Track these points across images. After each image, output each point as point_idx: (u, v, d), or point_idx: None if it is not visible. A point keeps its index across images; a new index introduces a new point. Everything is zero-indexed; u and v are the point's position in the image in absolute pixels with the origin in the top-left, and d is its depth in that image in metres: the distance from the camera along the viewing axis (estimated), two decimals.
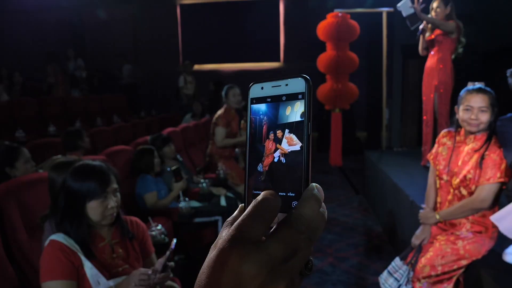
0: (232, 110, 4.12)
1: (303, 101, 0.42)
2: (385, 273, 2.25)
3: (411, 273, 2.12)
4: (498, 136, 2.09)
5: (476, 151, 2.09)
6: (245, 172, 0.45)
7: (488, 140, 2.07)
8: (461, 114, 2.11)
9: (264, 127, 0.43)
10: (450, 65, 4.12)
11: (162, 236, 2.22)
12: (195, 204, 3.17)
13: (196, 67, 8.62)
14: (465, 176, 2.10)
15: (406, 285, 2.11)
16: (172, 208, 2.97)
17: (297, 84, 0.42)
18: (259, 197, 0.39)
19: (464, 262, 2.06)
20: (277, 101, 0.43)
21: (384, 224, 4.00)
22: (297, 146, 0.41)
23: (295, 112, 0.42)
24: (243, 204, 0.44)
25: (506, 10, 6.33)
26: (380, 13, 5.61)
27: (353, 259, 3.41)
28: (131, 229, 1.63)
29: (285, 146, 0.41)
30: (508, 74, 2.09)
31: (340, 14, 5.39)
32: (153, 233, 2.20)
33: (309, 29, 5.75)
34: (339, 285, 3.01)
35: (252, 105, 0.45)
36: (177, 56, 9.40)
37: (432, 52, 4.20)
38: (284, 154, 0.41)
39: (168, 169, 3.10)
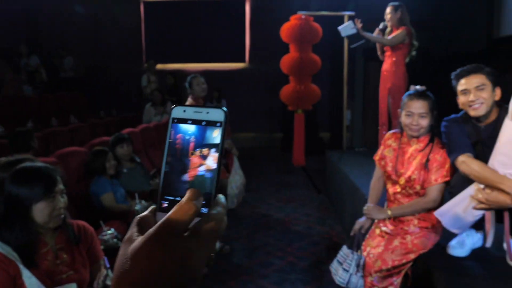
0: (200, 99, 3.95)
1: (220, 128, 0.49)
2: (334, 262, 2.33)
3: (361, 260, 2.18)
4: (442, 136, 2.16)
5: (420, 151, 2.18)
6: (160, 179, 0.50)
7: (430, 142, 2.15)
8: (403, 119, 2.18)
9: (191, 144, 0.49)
10: (403, 69, 4.26)
11: (115, 240, 2.18)
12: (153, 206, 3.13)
13: (160, 66, 8.51)
14: (409, 177, 2.18)
15: (356, 274, 2.18)
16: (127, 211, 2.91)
17: (217, 114, 0.50)
18: (186, 197, 0.46)
19: (412, 256, 2.14)
20: (197, 124, 0.50)
21: (344, 223, 4.08)
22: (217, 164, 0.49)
23: (215, 137, 0.49)
24: (155, 206, 0.50)
25: (460, 16, 6.59)
26: (342, 17, 5.70)
27: (312, 257, 3.45)
28: (77, 234, 1.58)
29: (210, 163, 0.49)
30: (452, 77, 2.16)
31: (303, 17, 5.46)
32: (105, 237, 2.15)
33: (274, 30, 5.78)
34: (298, 284, 3.04)
35: (174, 124, 0.51)
36: (140, 55, 9.23)
37: (386, 56, 4.34)
38: (209, 169, 0.48)
39: (125, 170, 3.05)
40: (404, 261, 2.13)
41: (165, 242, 0.42)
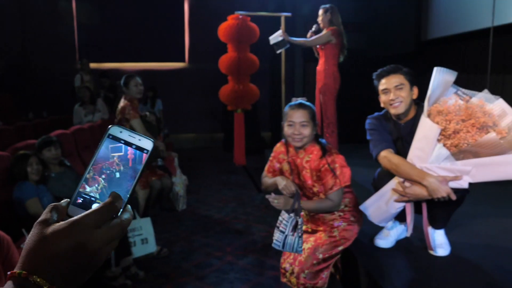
0: (135, 100, 3.80)
1: (147, 155, 0.59)
2: (275, 230, 2.29)
3: (299, 220, 2.14)
4: (367, 133, 2.27)
5: (314, 161, 2.16)
6: (82, 178, 0.57)
7: (324, 151, 2.14)
8: (285, 129, 2.18)
9: (115, 159, 0.58)
10: (333, 68, 4.43)
11: None
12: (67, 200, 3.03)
13: (95, 65, 8.19)
14: (312, 190, 2.22)
15: (292, 234, 2.12)
16: None
17: (147, 143, 0.60)
18: (109, 200, 0.54)
19: (340, 248, 2.21)
20: (128, 146, 0.59)
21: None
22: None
23: (139, 159, 0.59)
24: (69, 200, 0.57)
25: (392, 20, 6.92)
26: (279, 18, 5.79)
27: (251, 256, 3.48)
28: None
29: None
30: (373, 77, 2.27)
31: (240, 17, 5.49)
32: None
33: (213, 30, 5.77)
34: (237, 283, 3.05)
35: (109, 139, 0.59)
36: (73, 53, 8.83)
37: (319, 57, 4.50)
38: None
39: (53, 175, 2.90)
40: (333, 253, 2.20)
41: (85, 231, 0.50)
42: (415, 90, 2.22)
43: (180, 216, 4.35)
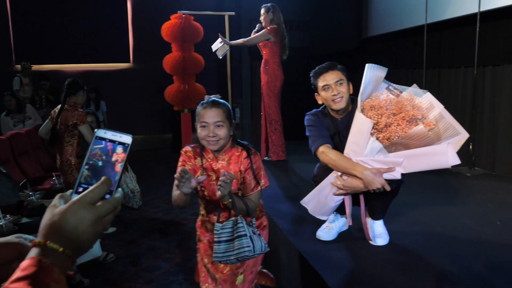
0: (79, 105, 3.63)
1: (127, 147, 0.74)
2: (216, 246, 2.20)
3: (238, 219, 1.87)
4: (306, 129, 2.32)
5: (235, 163, 1.89)
6: (80, 173, 0.72)
7: (247, 153, 1.89)
8: (199, 131, 1.85)
9: (104, 156, 0.73)
10: (274, 66, 4.51)
11: None
12: (25, 220, 2.89)
13: (35, 67, 7.80)
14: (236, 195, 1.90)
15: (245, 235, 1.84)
16: None
17: (127, 138, 0.74)
18: (100, 182, 0.68)
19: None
20: (113, 143, 0.73)
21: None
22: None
23: (122, 153, 0.74)
24: (72, 190, 0.71)
25: (335, 18, 7.11)
26: (223, 16, 5.79)
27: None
28: None
29: (116, 168, 0.73)
30: (311, 75, 2.33)
31: (183, 16, 5.43)
32: None
33: (157, 29, 5.67)
34: (185, 284, 3.03)
35: (96, 140, 0.73)
36: (10, 55, 8.37)
37: (263, 54, 4.56)
38: (115, 172, 0.73)
39: None
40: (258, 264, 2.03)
41: (84, 206, 0.65)
42: (351, 86, 2.29)
43: (126, 219, 4.26)
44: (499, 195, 3.34)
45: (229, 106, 1.93)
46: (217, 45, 4.76)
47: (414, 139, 1.89)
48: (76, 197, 0.67)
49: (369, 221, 2.35)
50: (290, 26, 7.78)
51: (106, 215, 0.68)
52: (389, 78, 2.19)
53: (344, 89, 2.22)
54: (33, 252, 0.62)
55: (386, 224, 2.41)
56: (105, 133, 0.73)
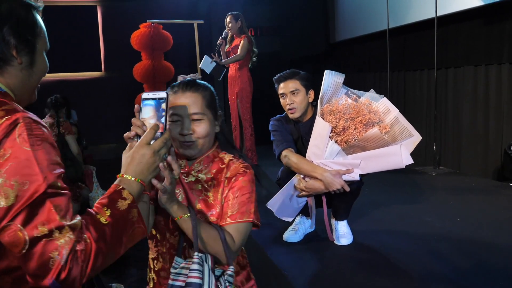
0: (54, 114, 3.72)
1: (166, 99, 1.05)
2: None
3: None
4: (271, 134, 2.38)
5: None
6: (165, 124, 1.04)
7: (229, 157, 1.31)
8: (168, 127, 1.12)
9: (154, 109, 1.06)
10: (247, 73, 4.57)
11: None
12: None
13: None
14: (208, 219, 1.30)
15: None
16: None
17: (163, 94, 1.06)
18: (150, 128, 1.01)
19: None
20: (154, 99, 1.06)
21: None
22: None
23: (164, 106, 1.06)
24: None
25: (303, 24, 7.22)
26: (193, 25, 5.80)
27: None
28: None
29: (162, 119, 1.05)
30: (274, 81, 2.40)
31: (152, 24, 5.44)
32: None
33: (128, 38, 5.67)
34: None
35: (144, 100, 1.07)
36: None
37: (231, 64, 4.61)
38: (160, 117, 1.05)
39: None
40: None
41: (142, 146, 0.98)
42: (311, 94, 2.39)
43: None
44: (461, 193, 3.47)
45: (212, 90, 1.32)
46: (209, 67, 4.60)
47: (370, 141, 1.98)
48: (138, 142, 0.99)
49: (333, 222, 2.43)
50: (260, 32, 7.88)
51: (159, 149, 0.99)
52: (356, 81, 2.30)
53: (298, 99, 2.32)
54: (116, 181, 0.98)
55: (351, 224, 2.49)
56: (148, 94, 1.06)
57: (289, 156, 2.20)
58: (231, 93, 4.68)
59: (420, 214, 2.93)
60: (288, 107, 2.33)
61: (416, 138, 2.03)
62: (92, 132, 7.88)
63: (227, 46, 4.59)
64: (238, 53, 4.45)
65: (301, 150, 2.29)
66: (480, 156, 4.34)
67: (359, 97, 2.19)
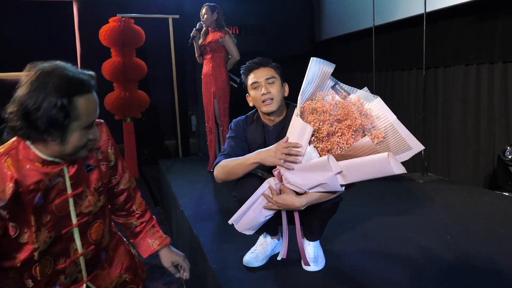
0: None
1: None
2: None
3: None
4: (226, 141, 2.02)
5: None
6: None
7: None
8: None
9: None
10: (225, 71, 4.19)
11: None
12: None
13: None
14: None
15: None
16: None
17: None
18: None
19: None
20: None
21: (172, 234, 3.83)
22: None
23: None
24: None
25: (288, 22, 6.94)
26: (167, 19, 5.45)
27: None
28: None
29: None
30: (241, 72, 2.02)
31: (122, 18, 5.07)
32: None
33: None
34: None
35: None
36: None
37: (206, 59, 4.22)
38: None
39: None
40: None
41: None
42: (286, 88, 2.01)
43: None
44: (451, 204, 3.15)
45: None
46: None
47: (359, 152, 1.61)
48: None
49: (304, 242, 2.07)
50: (244, 31, 7.56)
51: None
52: (341, 81, 1.88)
53: (275, 90, 1.92)
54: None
55: (323, 243, 2.14)
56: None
57: (222, 164, 1.86)
58: (206, 93, 4.30)
59: (405, 230, 2.59)
60: (263, 97, 1.90)
61: (415, 150, 1.67)
62: None
63: (201, 40, 4.21)
64: (233, 54, 4.13)
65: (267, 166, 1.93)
66: (471, 162, 4.03)
67: (349, 94, 1.81)
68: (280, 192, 1.76)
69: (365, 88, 1.83)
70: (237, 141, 1.98)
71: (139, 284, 1.64)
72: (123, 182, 1.57)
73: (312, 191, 1.71)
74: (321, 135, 1.65)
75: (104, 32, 5.01)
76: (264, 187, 1.80)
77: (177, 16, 5.38)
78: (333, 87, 1.84)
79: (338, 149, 1.63)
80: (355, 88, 1.84)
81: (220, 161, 1.89)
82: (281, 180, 1.75)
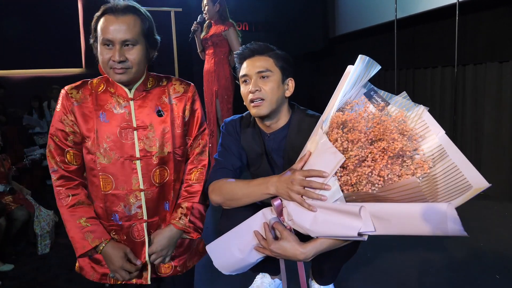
0: None
1: None
2: None
3: None
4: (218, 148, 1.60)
5: None
6: None
7: None
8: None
9: None
10: (229, 68, 3.78)
11: None
12: None
13: None
14: None
15: None
16: None
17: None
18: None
19: None
20: None
21: None
22: None
23: None
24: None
25: (300, 18, 6.55)
26: (169, 12, 5.08)
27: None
28: None
29: None
30: (236, 60, 1.55)
31: None
32: None
33: None
34: None
35: None
36: None
37: (208, 55, 3.81)
38: None
39: None
40: None
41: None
42: (291, 84, 1.53)
43: (49, 259, 3.44)
44: (487, 225, 2.69)
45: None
46: None
47: (395, 194, 1.13)
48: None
49: (312, 284, 1.64)
50: (254, 28, 7.18)
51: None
52: None
53: (268, 87, 1.45)
54: None
55: (344, 280, 1.71)
56: None
57: (219, 186, 1.42)
58: (207, 91, 3.90)
59: (433, 261, 2.15)
60: (250, 97, 1.46)
61: (478, 187, 1.09)
62: None
63: (203, 34, 3.81)
64: (235, 50, 3.68)
65: (263, 174, 1.50)
66: (506, 173, 3.55)
67: (388, 103, 1.33)
68: (275, 233, 1.31)
69: (404, 93, 1.35)
70: (233, 148, 1.55)
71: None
72: (196, 147, 1.56)
73: (321, 237, 1.25)
74: (351, 162, 1.16)
75: None
76: (256, 220, 1.35)
77: (180, 9, 5.02)
78: (365, 94, 1.36)
79: (368, 185, 1.14)
80: (394, 95, 1.35)
81: (215, 178, 1.47)
82: (281, 214, 1.30)
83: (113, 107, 1.45)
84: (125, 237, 1.47)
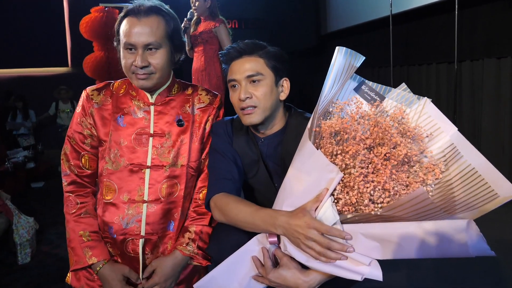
0: None
1: None
2: None
3: None
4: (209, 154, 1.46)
5: None
6: None
7: None
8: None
9: None
10: (219, 67, 3.64)
11: None
12: None
13: None
14: None
15: None
16: None
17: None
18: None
19: None
20: None
21: None
22: None
23: None
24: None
25: (291, 16, 6.50)
26: None
27: None
28: None
29: None
30: (223, 59, 1.41)
31: (106, 8, 4.53)
32: None
33: None
34: None
35: None
36: None
37: (197, 52, 3.67)
38: None
39: None
40: None
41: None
42: (286, 85, 1.37)
43: (29, 268, 3.28)
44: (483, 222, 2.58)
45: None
46: None
47: (402, 210, 0.95)
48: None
49: None
50: (244, 25, 7.05)
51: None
52: None
53: (260, 92, 1.30)
54: None
55: None
56: None
57: (220, 203, 1.26)
58: None
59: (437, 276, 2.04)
60: (241, 105, 1.30)
61: (505, 195, 0.92)
62: (51, 135, 6.96)
63: (192, 30, 3.67)
64: (224, 46, 3.54)
65: (263, 186, 1.37)
66: (506, 172, 3.46)
67: (383, 97, 1.18)
68: (275, 259, 1.17)
69: (403, 85, 1.22)
70: (227, 153, 1.38)
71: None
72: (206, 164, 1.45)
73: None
74: (348, 179, 1.01)
75: (85, 24, 4.48)
76: (251, 246, 1.20)
77: (167, 6, 4.84)
78: (356, 90, 1.22)
79: (370, 205, 0.98)
80: (389, 88, 1.22)
81: (215, 191, 1.30)
82: (278, 241, 1.15)
83: (133, 111, 1.38)
84: (119, 252, 1.38)
